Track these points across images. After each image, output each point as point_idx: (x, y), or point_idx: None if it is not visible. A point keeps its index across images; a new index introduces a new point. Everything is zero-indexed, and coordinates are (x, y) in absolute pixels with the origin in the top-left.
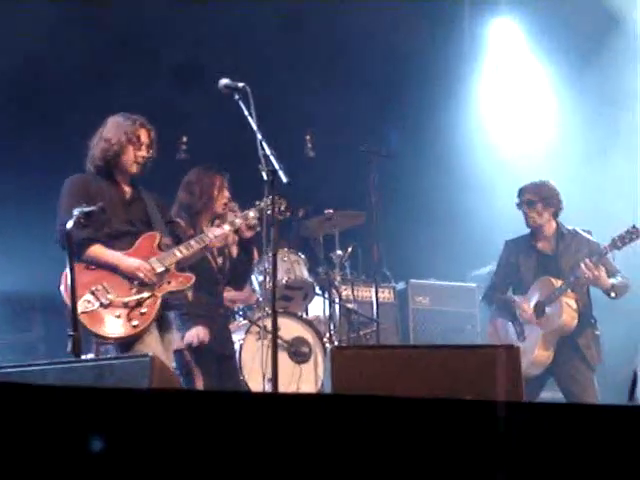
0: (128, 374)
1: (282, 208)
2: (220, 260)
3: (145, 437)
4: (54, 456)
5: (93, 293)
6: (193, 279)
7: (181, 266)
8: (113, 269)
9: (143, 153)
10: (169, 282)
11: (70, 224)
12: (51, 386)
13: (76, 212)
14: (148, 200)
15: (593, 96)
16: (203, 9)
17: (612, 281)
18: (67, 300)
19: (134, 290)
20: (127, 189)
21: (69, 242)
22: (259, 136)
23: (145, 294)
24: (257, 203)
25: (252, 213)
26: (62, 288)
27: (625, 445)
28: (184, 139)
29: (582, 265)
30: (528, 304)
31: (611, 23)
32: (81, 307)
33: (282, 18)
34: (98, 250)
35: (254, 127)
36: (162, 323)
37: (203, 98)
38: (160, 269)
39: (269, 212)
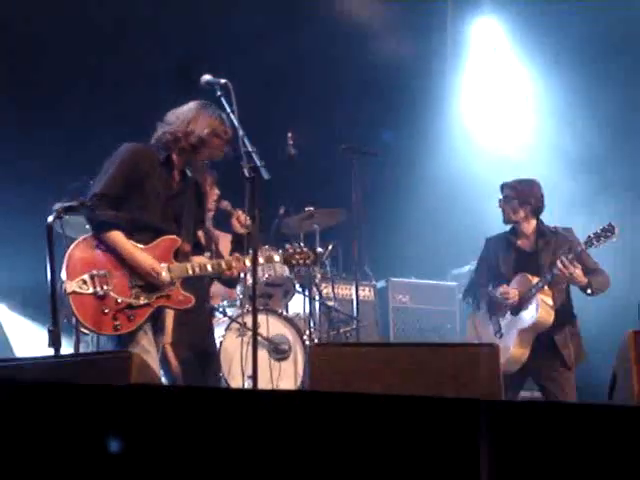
0: (107, 370)
1: (308, 261)
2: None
3: (124, 432)
4: (34, 450)
5: (92, 277)
6: (193, 302)
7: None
8: (123, 260)
9: (221, 152)
10: (168, 297)
11: (50, 219)
12: (30, 381)
13: (56, 206)
14: (190, 195)
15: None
16: (186, 5)
17: (589, 278)
18: (65, 272)
19: (132, 292)
20: (177, 179)
21: (49, 237)
22: (241, 133)
23: (141, 301)
24: (287, 248)
25: (277, 257)
26: (66, 258)
27: (604, 444)
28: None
29: (558, 262)
30: (511, 289)
31: (595, 26)
32: (74, 286)
33: (268, 16)
34: (119, 237)
35: (236, 124)
36: (157, 319)
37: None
38: (167, 279)
39: (277, 260)
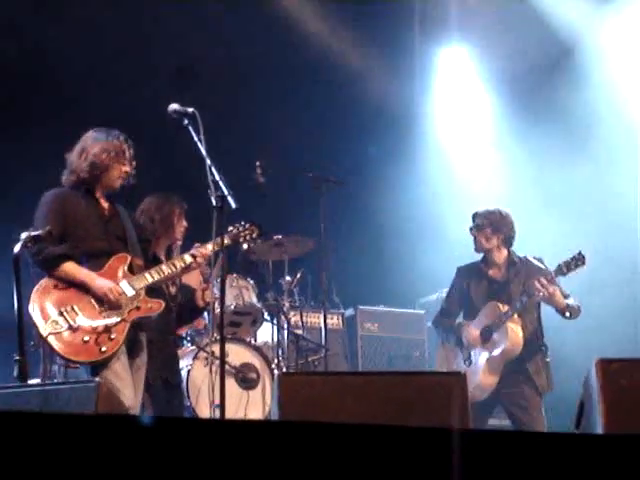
0: (74, 400)
1: (254, 235)
2: (173, 289)
3: (89, 462)
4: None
5: (62, 314)
6: (163, 306)
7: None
8: (83, 289)
9: (127, 168)
10: (138, 308)
11: (17, 248)
12: None
13: (23, 236)
14: (124, 217)
15: (541, 126)
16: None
17: (567, 301)
18: (36, 319)
19: (103, 314)
20: (105, 205)
21: (16, 267)
22: (208, 162)
23: (115, 319)
24: (230, 229)
25: (225, 240)
26: (30, 307)
27: (573, 473)
28: (133, 164)
29: (536, 282)
30: (474, 328)
31: (561, 53)
32: (49, 328)
33: (234, 40)
34: (71, 267)
35: (203, 152)
36: (133, 346)
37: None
38: (130, 293)
39: (226, 242)
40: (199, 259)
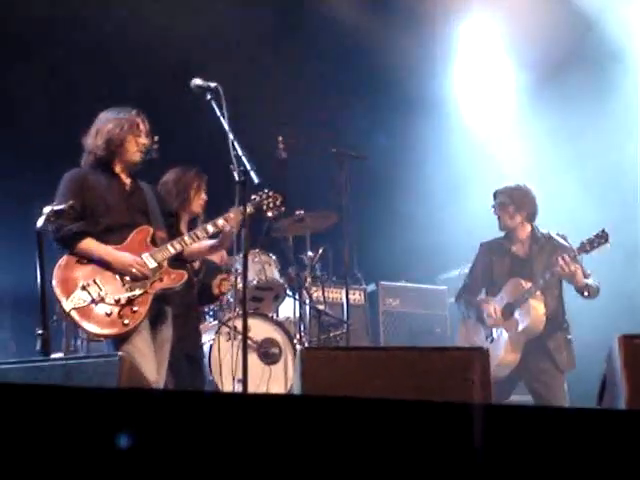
0: (96, 374)
1: (278, 203)
2: (197, 264)
3: (114, 437)
4: (20, 454)
5: (84, 288)
6: (186, 276)
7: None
8: (104, 263)
9: (144, 140)
10: (161, 279)
11: (40, 222)
12: (19, 384)
13: (46, 210)
14: (147, 191)
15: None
16: (174, 8)
17: (587, 281)
18: (59, 295)
19: (126, 287)
20: (127, 180)
21: (39, 241)
22: (231, 136)
23: (137, 291)
24: (253, 197)
25: (249, 208)
26: (54, 282)
27: (595, 448)
28: (155, 138)
29: (559, 259)
30: (495, 307)
31: (586, 31)
32: (72, 302)
33: (259, 22)
34: (90, 244)
35: (226, 127)
36: (158, 318)
37: (175, 98)
38: (153, 265)
39: (250, 211)
40: (224, 225)
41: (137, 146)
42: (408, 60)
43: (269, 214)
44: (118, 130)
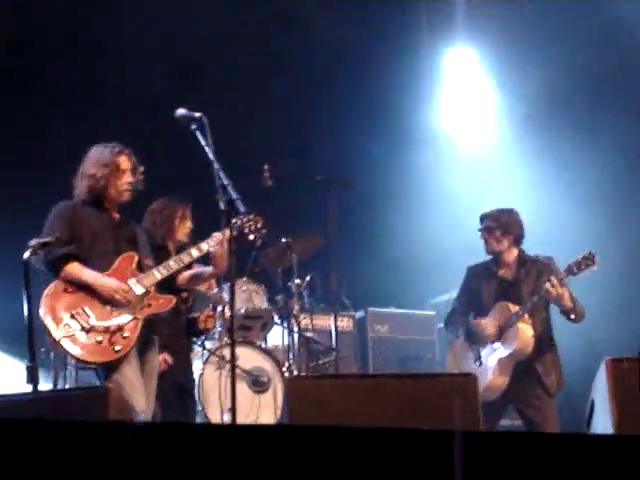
0: (85, 406)
1: (259, 226)
2: (185, 293)
3: (101, 469)
4: None
5: (73, 317)
6: (174, 301)
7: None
8: (92, 290)
9: (128, 179)
10: (149, 305)
11: (27, 254)
12: (7, 418)
13: (32, 242)
14: (136, 226)
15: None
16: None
17: (573, 304)
18: (48, 324)
19: (115, 314)
20: (115, 215)
21: (26, 273)
22: (216, 166)
23: (126, 317)
24: (234, 222)
25: (229, 231)
26: (41, 311)
27: (584, 473)
28: (141, 169)
29: (547, 283)
30: (487, 322)
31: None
32: (62, 332)
33: (247, 41)
34: (76, 268)
35: (211, 157)
36: (145, 346)
37: (159, 127)
38: (140, 291)
39: (242, 232)
40: (208, 247)
41: (121, 186)
42: (394, 88)
43: (251, 237)
44: (100, 174)
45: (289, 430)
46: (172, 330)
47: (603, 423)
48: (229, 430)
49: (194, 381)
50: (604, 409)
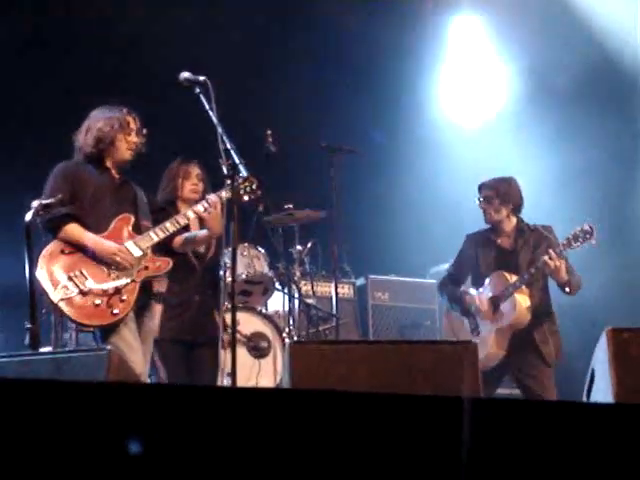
0: (85, 367)
1: (253, 187)
2: (202, 248)
3: (100, 431)
4: (12, 450)
5: (71, 279)
6: (171, 263)
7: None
8: (90, 252)
9: (134, 139)
10: (146, 267)
11: (29, 216)
12: (7, 379)
13: (34, 204)
14: (137, 188)
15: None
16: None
17: (569, 277)
18: (46, 286)
19: (112, 276)
20: (117, 175)
21: (27, 235)
22: (220, 130)
23: (124, 280)
24: (228, 183)
25: (224, 193)
26: (38, 273)
27: (583, 442)
28: (145, 132)
29: (545, 256)
30: (482, 300)
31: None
32: (59, 294)
33: (247, 15)
34: (75, 229)
35: (215, 121)
36: (142, 310)
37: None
38: (137, 253)
39: (226, 196)
40: (203, 209)
41: (127, 144)
42: (398, 58)
43: (245, 198)
44: (108, 128)
45: (289, 394)
46: (182, 287)
47: (603, 393)
48: (229, 393)
49: (214, 335)
50: (604, 379)
